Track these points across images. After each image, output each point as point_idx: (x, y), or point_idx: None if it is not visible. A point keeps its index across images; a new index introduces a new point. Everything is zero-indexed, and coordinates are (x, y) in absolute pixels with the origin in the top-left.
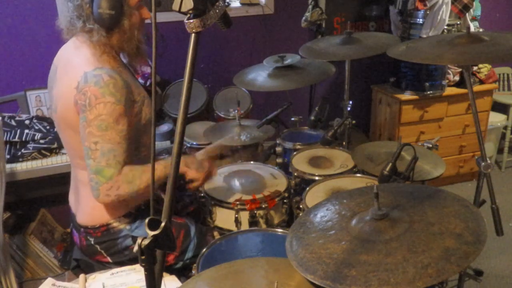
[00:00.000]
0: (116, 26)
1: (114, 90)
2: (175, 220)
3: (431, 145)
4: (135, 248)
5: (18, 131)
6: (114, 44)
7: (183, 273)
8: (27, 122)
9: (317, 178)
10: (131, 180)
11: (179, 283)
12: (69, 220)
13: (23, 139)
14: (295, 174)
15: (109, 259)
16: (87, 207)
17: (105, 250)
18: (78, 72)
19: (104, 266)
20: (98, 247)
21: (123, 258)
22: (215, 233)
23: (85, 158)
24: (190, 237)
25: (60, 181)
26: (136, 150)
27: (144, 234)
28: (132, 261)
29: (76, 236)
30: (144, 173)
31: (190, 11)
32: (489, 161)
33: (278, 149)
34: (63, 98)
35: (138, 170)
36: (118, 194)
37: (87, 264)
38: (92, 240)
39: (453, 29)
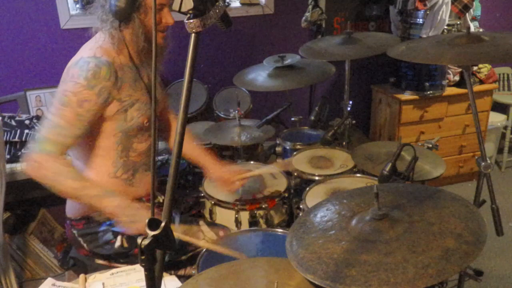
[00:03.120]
0: (126, 20)
1: (91, 77)
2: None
3: (431, 145)
4: (117, 243)
5: (18, 131)
6: (127, 40)
7: (173, 267)
8: (27, 122)
9: (317, 178)
10: (58, 173)
11: (179, 283)
12: None
13: (23, 139)
14: (295, 174)
15: (88, 252)
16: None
17: (87, 243)
18: (78, 56)
19: (89, 261)
20: (80, 239)
21: (103, 252)
22: (200, 222)
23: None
24: None
25: None
26: (124, 152)
27: (122, 230)
28: (112, 257)
29: (67, 227)
30: (74, 181)
31: (190, 11)
32: (489, 161)
33: (278, 149)
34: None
35: (72, 172)
36: (39, 174)
37: (84, 263)
38: (75, 232)
39: (453, 29)
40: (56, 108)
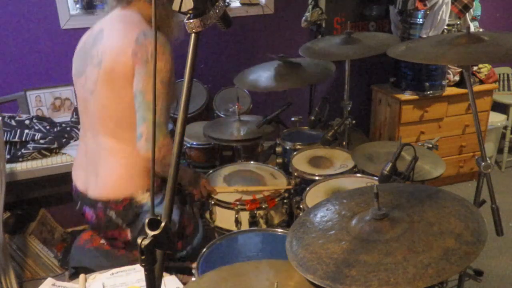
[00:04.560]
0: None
1: (169, 49)
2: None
3: (431, 145)
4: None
5: (18, 131)
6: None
7: (183, 270)
8: (27, 122)
9: (317, 178)
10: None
11: (179, 283)
12: (74, 204)
13: (23, 139)
14: (295, 174)
15: (128, 235)
16: (111, 178)
17: (127, 225)
18: (135, 29)
19: (106, 257)
20: (119, 221)
21: (143, 234)
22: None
23: (139, 111)
24: (198, 228)
25: (60, 181)
26: None
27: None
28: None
29: (90, 212)
30: None
31: (190, 11)
32: (489, 161)
33: (278, 149)
34: (116, 51)
35: None
36: (165, 156)
37: (87, 271)
38: (113, 215)
39: (453, 29)
40: (160, 90)
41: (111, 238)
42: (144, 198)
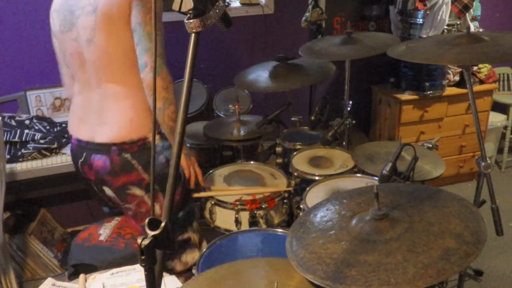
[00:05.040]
0: None
1: None
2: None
3: (431, 145)
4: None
5: (18, 131)
6: None
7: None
8: (27, 122)
9: (317, 178)
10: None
11: (179, 283)
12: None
13: (23, 139)
14: (295, 174)
15: (146, 177)
16: (124, 120)
17: (143, 166)
18: None
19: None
20: (135, 162)
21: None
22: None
23: (140, 43)
24: (187, 202)
25: (60, 181)
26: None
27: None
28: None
29: (102, 158)
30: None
31: (190, 11)
32: (489, 161)
33: (278, 149)
34: None
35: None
36: (168, 86)
37: (86, 268)
38: (128, 156)
39: (453, 29)
40: (157, 24)
41: (124, 190)
42: (157, 139)
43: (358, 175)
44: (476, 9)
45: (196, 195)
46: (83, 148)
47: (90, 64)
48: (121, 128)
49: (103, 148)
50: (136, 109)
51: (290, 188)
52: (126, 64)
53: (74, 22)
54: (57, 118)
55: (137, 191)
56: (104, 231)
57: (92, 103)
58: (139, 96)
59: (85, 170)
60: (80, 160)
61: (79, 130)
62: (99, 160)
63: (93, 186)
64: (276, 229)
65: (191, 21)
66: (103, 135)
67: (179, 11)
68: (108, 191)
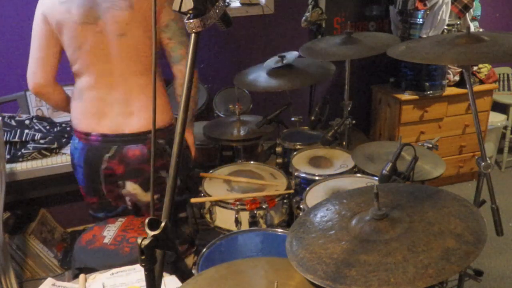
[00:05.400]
0: None
1: None
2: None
3: (431, 145)
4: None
5: (18, 131)
6: None
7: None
8: (27, 122)
9: (317, 178)
10: None
11: (179, 283)
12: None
13: (23, 139)
14: (295, 174)
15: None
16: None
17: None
18: None
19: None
20: (167, 147)
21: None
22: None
23: (175, 37)
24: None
25: (60, 181)
26: None
27: None
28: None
29: (138, 148)
30: None
31: (190, 11)
32: (489, 161)
33: (278, 149)
34: None
35: None
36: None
37: (90, 271)
38: (162, 142)
39: (453, 29)
40: (177, 17)
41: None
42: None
43: (358, 175)
44: (476, 9)
45: (193, 200)
46: (111, 142)
47: (116, 56)
48: (148, 121)
49: (137, 137)
50: (160, 98)
51: (291, 191)
52: (151, 57)
53: (100, 15)
54: (57, 118)
55: (164, 174)
56: (109, 233)
57: (115, 95)
58: (160, 86)
59: (111, 165)
60: (108, 155)
61: (100, 125)
62: (136, 150)
63: (110, 184)
64: (276, 229)
65: (191, 21)
66: (133, 125)
67: (179, 11)
68: (130, 186)
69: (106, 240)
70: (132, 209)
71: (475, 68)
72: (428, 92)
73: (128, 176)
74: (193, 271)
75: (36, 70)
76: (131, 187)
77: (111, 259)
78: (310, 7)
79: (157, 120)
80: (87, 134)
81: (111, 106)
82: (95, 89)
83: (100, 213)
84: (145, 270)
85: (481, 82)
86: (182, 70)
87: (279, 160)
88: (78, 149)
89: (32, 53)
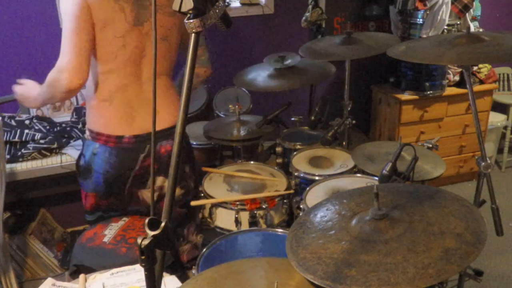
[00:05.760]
0: None
1: None
2: None
3: (431, 145)
4: None
5: (18, 131)
6: None
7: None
8: (27, 122)
9: (317, 178)
10: None
11: (179, 283)
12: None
13: (23, 139)
14: (295, 174)
15: None
16: (173, 105)
17: None
18: None
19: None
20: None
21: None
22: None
23: (203, 43)
24: None
25: (60, 181)
26: None
27: None
28: None
29: (169, 143)
30: None
31: (190, 11)
32: (489, 161)
33: (278, 149)
34: None
35: None
36: None
37: (86, 270)
38: (185, 135)
39: (453, 29)
40: None
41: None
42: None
43: (358, 175)
44: (476, 9)
45: (193, 203)
46: (144, 142)
47: (150, 59)
48: (174, 112)
49: (167, 133)
50: (175, 96)
51: (291, 191)
52: (171, 60)
53: (147, 18)
54: (57, 118)
55: (187, 170)
56: (109, 232)
57: (143, 95)
58: (171, 86)
59: (145, 164)
60: (143, 155)
61: (132, 127)
62: (167, 145)
63: (135, 185)
64: (276, 229)
65: (191, 21)
66: (161, 122)
67: (179, 11)
68: (161, 181)
69: (105, 239)
70: (140, 209)
71: (475, 68)
72: (428, 92)
73: (159, 171)
74: (193, 271)
75: (82, 64)
76: (161, 182)
77: (107, 258)
78: (310, 7)
79: (177, 115)
80: (120, 137)
81: (140, 107)
82: (127, 91)
83: (96, 215)
84: (145, 270)
85: (481, 82)
86: (207, 70)
87: (279, 160)
88: (101, 155)
89: (71, 45)
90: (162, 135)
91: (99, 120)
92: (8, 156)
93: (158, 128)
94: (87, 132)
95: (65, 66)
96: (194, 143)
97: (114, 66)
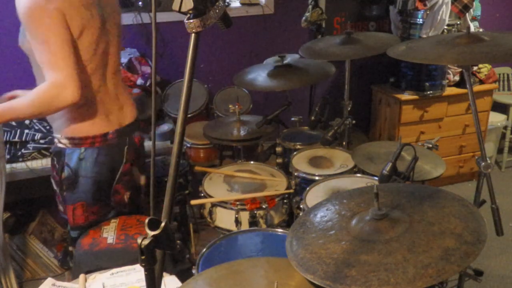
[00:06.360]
0: None
1: None
2: None
3: (431, 145)
4: None
5: (18, 131)
6: None
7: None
8: (27, 122)
9: (317, 178)
10: None
11: (179, 283)
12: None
13: (23, 139)
14: (295, 174)
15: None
16: (131, 100)
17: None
18: None
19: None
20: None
21: None
22: None
23: None
24: None
25: None
26: None
27: None
28: None
29: (138, 136)
30: None
31: (190, 11)
32: (489, 161)
33: (278, 149)
34: None
35: None
36: None
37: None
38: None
39: (453, 29)
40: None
41: None
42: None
43: (358, 175)
44: (476, 9)
45: (193, 202)
46: (124, 134)
47: (112, 56)
48: (134, 106)
49: (135, 125)
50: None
51: (291, 191)
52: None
53: (106, 19)
54: None
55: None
56: (109, 234)
57: (110, 93)
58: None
59: (130, 156)
60: (126, 146)
61: (112, 122)
62: (137, 136)
63: (122, 182)
64: (276, 229)
65: (191, 21)
66: (127, 116)
67: (179, 11)
68: (135, 170)
69: (110, 241)
70: (124, 207)
71: (475, 68)
72: (428, 92)
73: (136, 162)
74: (193, 271)
75: (79, 75)
76: (135, 171)
77: (122, 257)
78: (310, 7)
79: (135, 109)
80: (105, 135)
81: (111, 104)
82: (100, 91)
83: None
84: (145, 270)
85: (481, 82)
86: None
87: (279, 160)
88: (89, 157)
89: (64, 59)
90: (133, 128)
91: (82, 124)
92: (8, 156)
93: (127, 121)
94: (64, 141)
95: (64, 81)
96: (194, 143)
97: (91, 71)
